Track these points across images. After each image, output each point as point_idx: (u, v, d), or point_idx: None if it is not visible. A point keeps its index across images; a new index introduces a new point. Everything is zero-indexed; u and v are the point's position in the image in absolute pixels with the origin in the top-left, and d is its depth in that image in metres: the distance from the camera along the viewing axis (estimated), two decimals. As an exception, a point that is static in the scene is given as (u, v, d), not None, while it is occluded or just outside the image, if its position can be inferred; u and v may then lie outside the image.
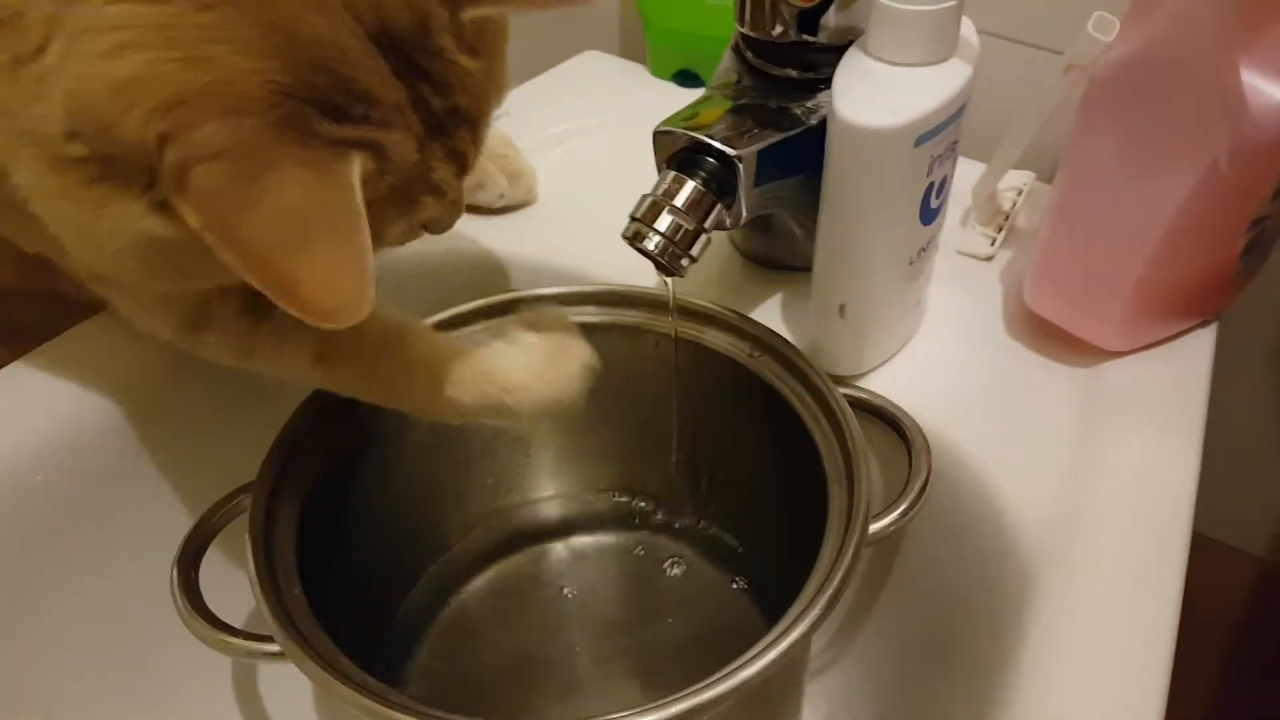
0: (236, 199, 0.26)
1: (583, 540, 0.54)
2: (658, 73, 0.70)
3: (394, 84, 0.29)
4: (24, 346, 0.47)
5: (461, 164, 0.33)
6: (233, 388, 0.47)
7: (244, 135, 0.25)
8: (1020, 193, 0.57)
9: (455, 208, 0.35)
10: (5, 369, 0.46)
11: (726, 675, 0.33)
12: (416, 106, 0.30)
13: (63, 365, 0.47)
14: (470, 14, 0.30)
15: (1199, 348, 0.48)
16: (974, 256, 0.55)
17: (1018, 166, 0.53)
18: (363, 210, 0.27)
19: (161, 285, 0.35)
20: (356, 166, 0.28)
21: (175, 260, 0.29)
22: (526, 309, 0.46)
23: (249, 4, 0.26)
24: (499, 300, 0.48)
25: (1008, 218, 0.56)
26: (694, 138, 0.41)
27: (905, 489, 0.41)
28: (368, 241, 0.27)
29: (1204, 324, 0.49)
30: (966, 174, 0.54)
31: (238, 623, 0.38)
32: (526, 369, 0.40)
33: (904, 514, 0.41)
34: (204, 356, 0.41)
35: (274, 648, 0.35)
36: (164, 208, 0.26)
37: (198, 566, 0.40)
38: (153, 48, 0.25)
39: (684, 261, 0.41)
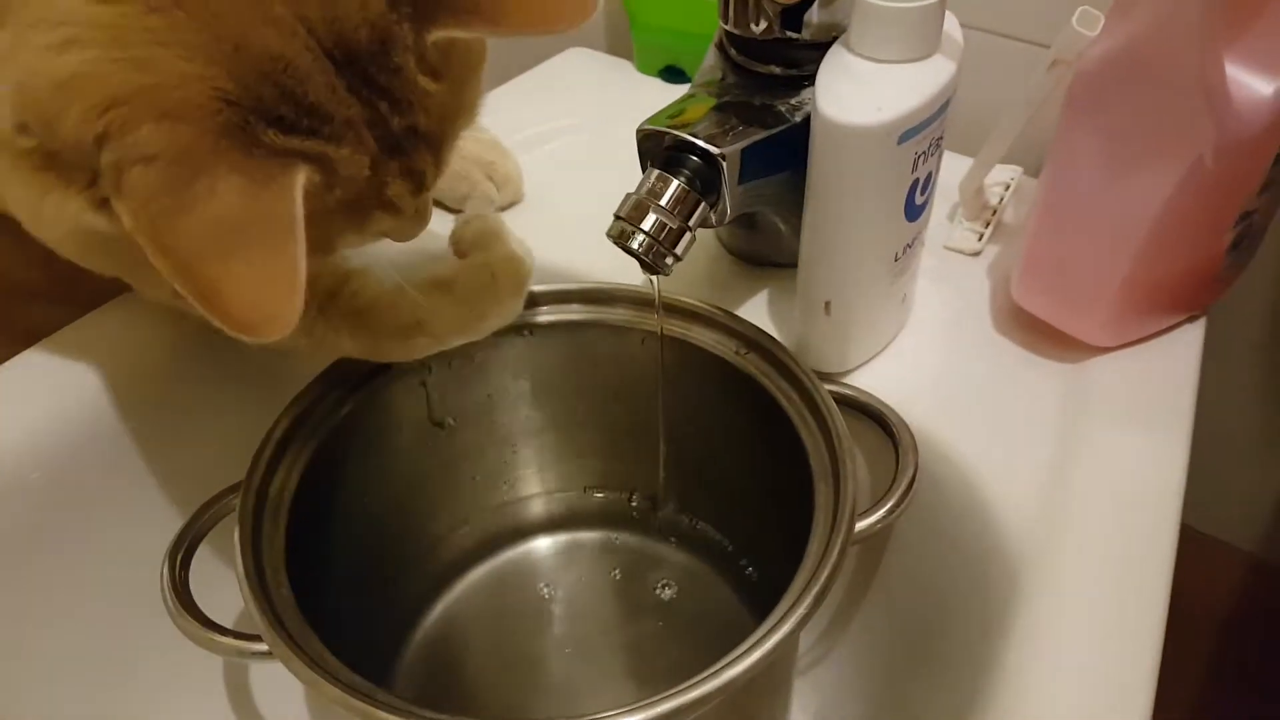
0: (169, 203, 0.25)
1: (570, 538, 0.54)
2: (644, 69, 0.70)
3: (347, 100, 0.28)
4: None
5: (419, 182, 0.33)
6: (225, 386, 0.47)
7: (180, 139, 0.25)
8: (1008, 188, 0.57)
9: (416, 221, 0.35)
10: (10, 361, 0.46)
11: (713, 674, 0.33)
12: (372, 124, 0.30)
13: (53, 364, 0.47)
14: (435, 35, 0.30)
15: (1187, 343, 0.48)
16: (961, 252, 0.55)
17: (1005, 161, 0.53)
18: (299, 223, 0.27)
19: (104, 272, 0.35)
20: (299, 179, 0.27)
21: (114, 253, 0.29)
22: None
23: (199, 11, 0.25)
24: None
25: (995, 213, 0.56)
26: (678, 136, 0.41)
27: (892, 486, 0.41)
28: (301, 256, 0.27)
29: (1191, 319, 0.49)
30: (953, 169, 0.54)
31: (229, 621, 0.38)
32: (456, 320, 0.42)
33: (890, 511, 0.41)
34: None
35: (262, 647, 0.35)
36: (104, 205, 0.26)
37: (188, 565, 0.40)
38: (97, 46, 0.25)
39: (669, 260, 0.41)
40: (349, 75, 0.28)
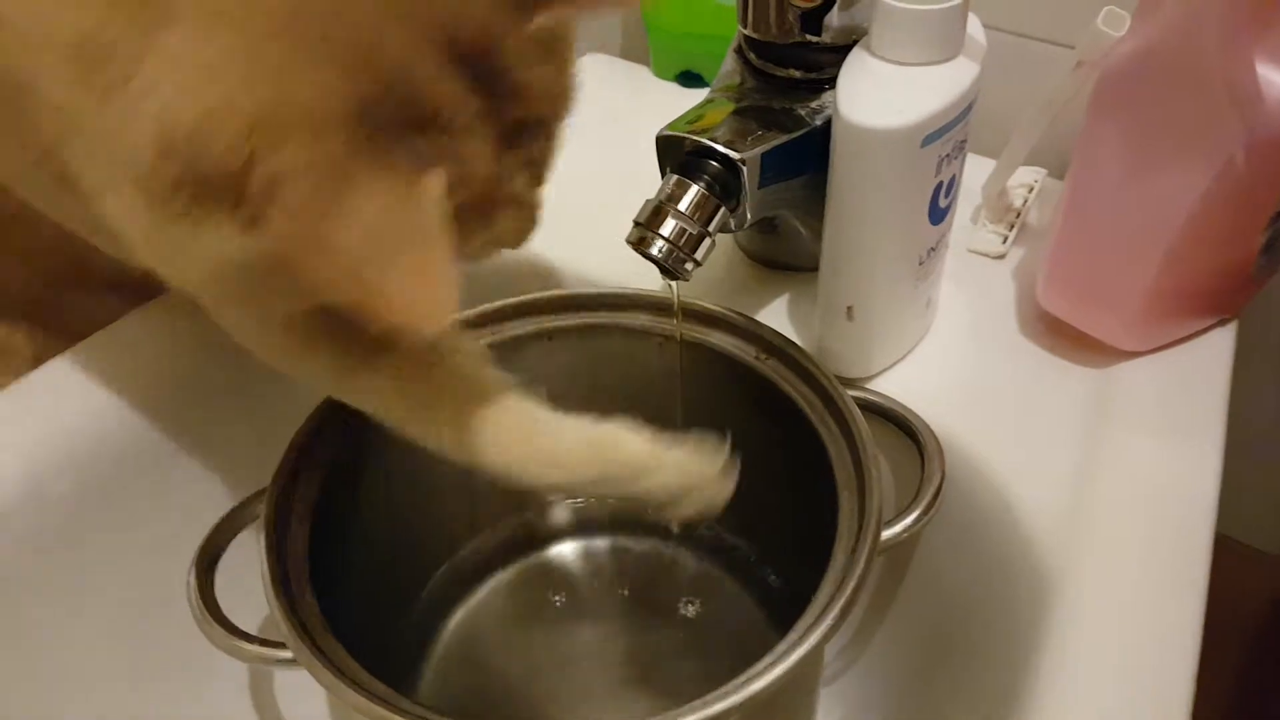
0: (321, 216, 0.26)
1: (592, 544, 0.54)
2: (661, 74, 0.70)
3: (468, 97, 0.29)
4: None
5: (537, 173, 0.33)
6: (252, 391, 0.47)
7: (327, 153, 0.26)
8: (1031, 189, 0.56)
9: (532, 219, 0.35)
10: (29, 375, 0.47)
11: (736, 688, 0.33)
12: (491, 118, 0.30)
13: (83, 370, 0.47)
14: (537, 24, 0.30)
15: (1217, 347, 0.47)
16: (985, 255, 0.54)
17: (1029, 162, 0.53)
18: (444, 223, 0.27)
19: (247, 309, 0.36)
20: (437, 180, 0.28)
21: (262, 284, 0.30)
22: None
23: (326, 27, 0.26)
24: (510, 304, 0.48)
25: (1019, 215, 0.55)
26: (697, 141, 0.41)
27: (918, 494, 0.41)
28: (450, 252, 0.27)
29: (1222, 323, 0.48)
30: (977, 171, 0.54)
31: (254, 625, 0.38)
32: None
33: (917, 520, 0.40)
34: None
35: (287, 654, 0.35)
36: (253, 225, 0.27)
37: (213, 572, 0.40)
38: (235, 74, 0.25)
39: (688, 265, 0.41)
40: (465, 70, 0.28)
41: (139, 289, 0.49)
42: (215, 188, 0.26)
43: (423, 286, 0.26)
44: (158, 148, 0.26)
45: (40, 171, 0.33)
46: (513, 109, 0.31)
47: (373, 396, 0.38)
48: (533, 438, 0.38)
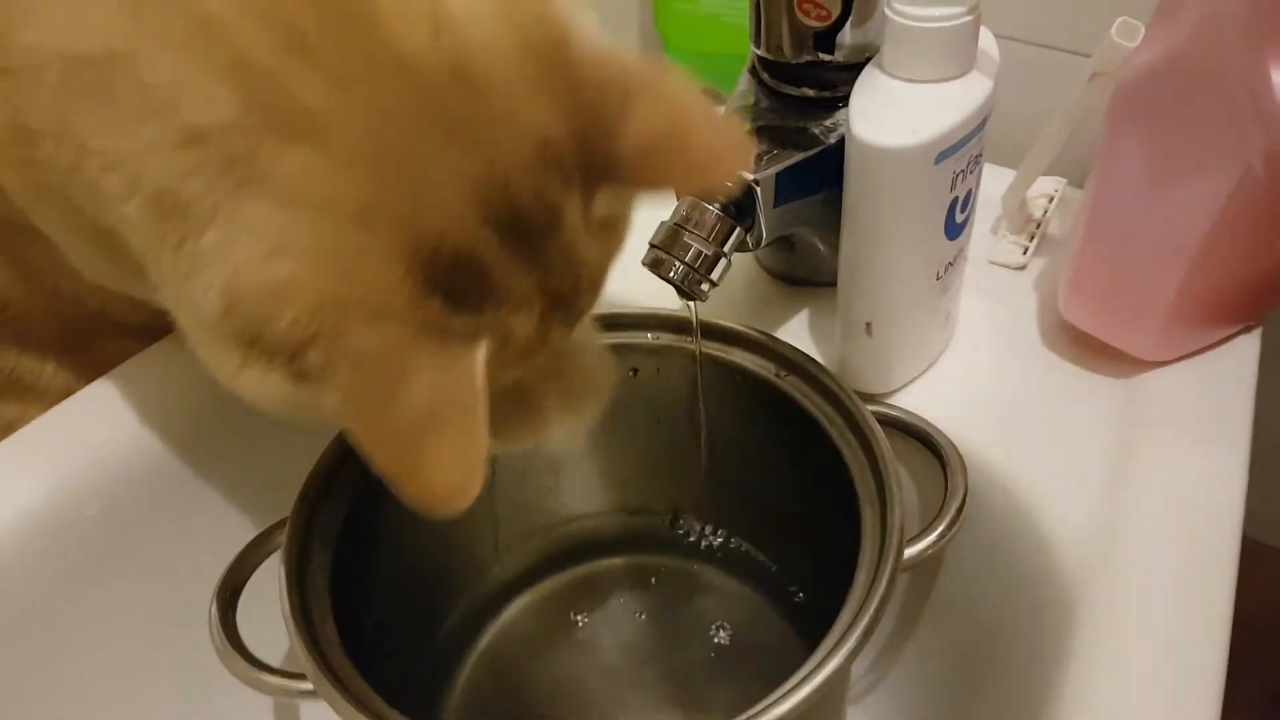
0: (375, 396, 0.27)
1: (616, 562, 0.54)
2: (679, 93, 0.70)
3: (524, 274, 0.29)
4: None
5: (575, 322, 0.33)
6: (274, 421, 0.48)
7: (386, 340, 0.27)
8: (1051, 199, 0.56)
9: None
10: (59, 405, 0.48)
11: (762, 710, 0.32)
12: (543, 290, 0.30)
13: (108, 400, 0.48)
14: (601, 201, 0.30)
15: (1242, 355, 0.47)
16: (1006, 266, 0.54)
17: (1048, 172, 0.52)
18: (484, 399, 0.28)
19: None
20: (481, 355, 0.28)
21: (304, 414, 0.30)
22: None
23: (395, 214, 0.26)
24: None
25: (1039, 225, 0.55)
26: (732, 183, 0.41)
27: (942, 510, 0.40)
28: (485, 432, 0.28)
29: (1246, 329, 0.48)
30: (996, 181, 0.53)
31: (278, 657, 0.39)
32: None
33: (941, 536, 0.40)
34: None
35: (308, 686, 0.35)
36: (302, 378, 0.28)
37: (235, 603, 0.40)
38: (306, 256, 0.26)
39: (704, 286, 0.41)
40: (523, 246, 0.29)
41: (163, 333, 0.50)
42: (273, 350, 0.27)
43: (455, 469, 0.27)
44: (222, 306, 0.27)
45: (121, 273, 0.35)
46: (565, 281, 0.31)
47: None
48: None
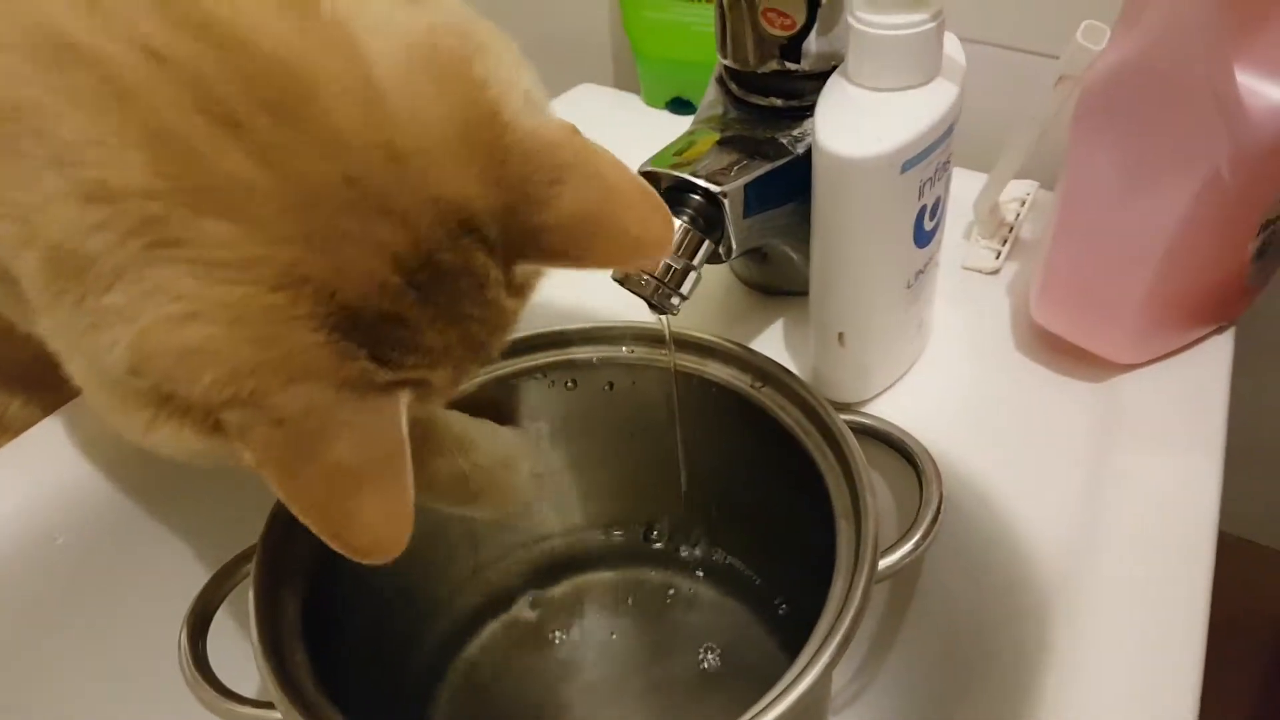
0: (297, 455, 0.27)
1: (594, 578, 0.54)
2: (651, 102, 0.70)
3: (446, 330, 0.30)
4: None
5: (487, 361, 0.33)
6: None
7: (307, 401, 0.26)
8: (1024, 203, 0.56)
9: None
10: (26, 433, 0.47)
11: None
12: (463, 342, 0.31)
13: (83, 425, 0.47)
14: (521, 269, 0.31)
15: (1216, 356, 0.47)
16: (979, 271, 0.54)
17: (1019, 176, 0.52)
18: (407, 450, 0.28)
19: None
20: (403, 407, 0.29)
21: (223, 463, 0.30)
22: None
23: (316, 280, 0.26)
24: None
25: (1012, 229, 0.55)
26: (677, 176, 0.40)
27: (917, 518, 0.40)
28: (410, 482, 0.28)
29: (1219, 330, 0.48)
30: (967, 186, 0.53)
31: (252, 687, 0.38)
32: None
33: (917, 545, 0.40)
34: None
35: (279, 716, 0.35)
36: (215, 431, 0.27)
37: (205, 632, 0.40)
38: (220, 323, 0.25)
39: (675, 300, 0.40)
40: (445, 306, 0.29)
41: None
42: (186, 410, 0.27)
43: (385, 518, 0.28)
44: (128, 364, 0.26)
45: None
46: (483, 332, 0.31)
47: None
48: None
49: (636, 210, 0.31)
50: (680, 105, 0.69)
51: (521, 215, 0.29)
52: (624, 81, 0.75)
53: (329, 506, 0.27)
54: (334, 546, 0.28)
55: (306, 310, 0.26)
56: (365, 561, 0.28)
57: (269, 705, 0.36)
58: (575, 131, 0.31)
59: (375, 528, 0.28)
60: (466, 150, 0.28)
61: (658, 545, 0.54)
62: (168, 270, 0.25)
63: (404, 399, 0.29)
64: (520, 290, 0.32)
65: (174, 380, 0.26)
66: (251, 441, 0.26)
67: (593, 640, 0.51)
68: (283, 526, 0.40)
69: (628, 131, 0.68)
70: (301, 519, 0.27)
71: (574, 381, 0.48)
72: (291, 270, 0.26)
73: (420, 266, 0.28)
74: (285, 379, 0.26)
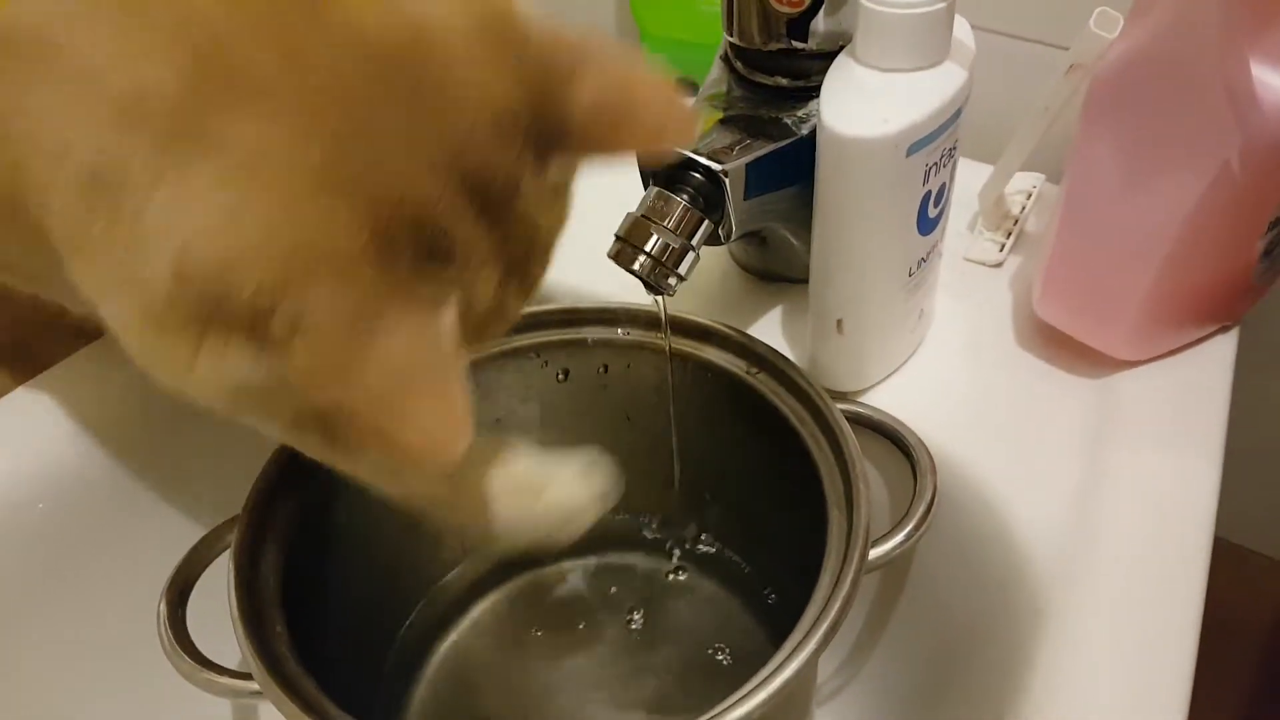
0: (345, 356, 0.26)
1: (583, 563, 0.53)
2: (655, 82, 0.69)
3: (484, 238, 0.29)
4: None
5: (529, 291, 0.33)
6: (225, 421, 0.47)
7: (355, 300, 0.26)
8: (1029, 196, 0.55)
9: (510, 324, 0.35)
10: (7, 396, 0.46)
11: (721, 713, 0.32)
12: (501, 254, 0.30)
13: (61, 392, 0.47)
14: (551, 175, 0.31)
15: (1218, 355, 0.46)
16: (982, 264, 0.53)
17: (1026, 168, 0.52)
18: (457, 354, 0.28)
19: (247, 417, 0.35)
20: (453, 312, 0.28)
21: (269, 398, 0.29)
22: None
23: (358, 175, 0.26)
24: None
25: (1017, 222, 0.54)
26: (678, 152, 0.40)
27: (909, 510, 0.40)
28: (465, 390, 0.28)
29: (1223, 330, 0.47)
30: (972, 177, 0.53)
31: (235, 660, 0.38)
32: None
33: (908, 537, 0.39)
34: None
35: (257, 686, 0.34)
36: (265, 350, 0.27)
37: (185, 602, 0.39)
38: (264, 222, 0.25)
39: (672, 281, 0.40)
40: (482, 210, 0.29)
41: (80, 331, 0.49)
42: (233, 325, 0.26)
43: (442, 420, 0.27)
44: (172, 285, 0.26)
45: (33, 259, 0.33)
46: (520, 245, 0.31)
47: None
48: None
49: (657, 97, 0.31)
50: (685, 86, 0.68)
51: (547, 107, 0.29)
52: (628, 62, 0.74)
53: (385, 406, 0.26)
54: (390, 453, 0.27)
55: (347, 210, 0.26)
56: (423, 466, 0.27)
57: (248, 676, 0.35)
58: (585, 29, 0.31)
59: (432, 429, 0.27)
60: (488, 44, 0.28)
61: (648, 531, 0.53)
62: (204, 176, 0.25)
63: (452, 310, 0.28)
64: (553, 197, 0.32)
65: (218, 291, 0.25)
66: (301, 349, 0.26)
67: (578, 627, 0.51)
68: (266, 496, 0.40)
69: (631, 112, 0.67)
70: (354, 431, 0.27)
71: (567, 364, 0.48)
72: (328, 169, 0.26)
73: (455, 164, 0.28)
74: (332, 279, 0.26)
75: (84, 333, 0.49)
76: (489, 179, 0.29)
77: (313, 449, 0.36)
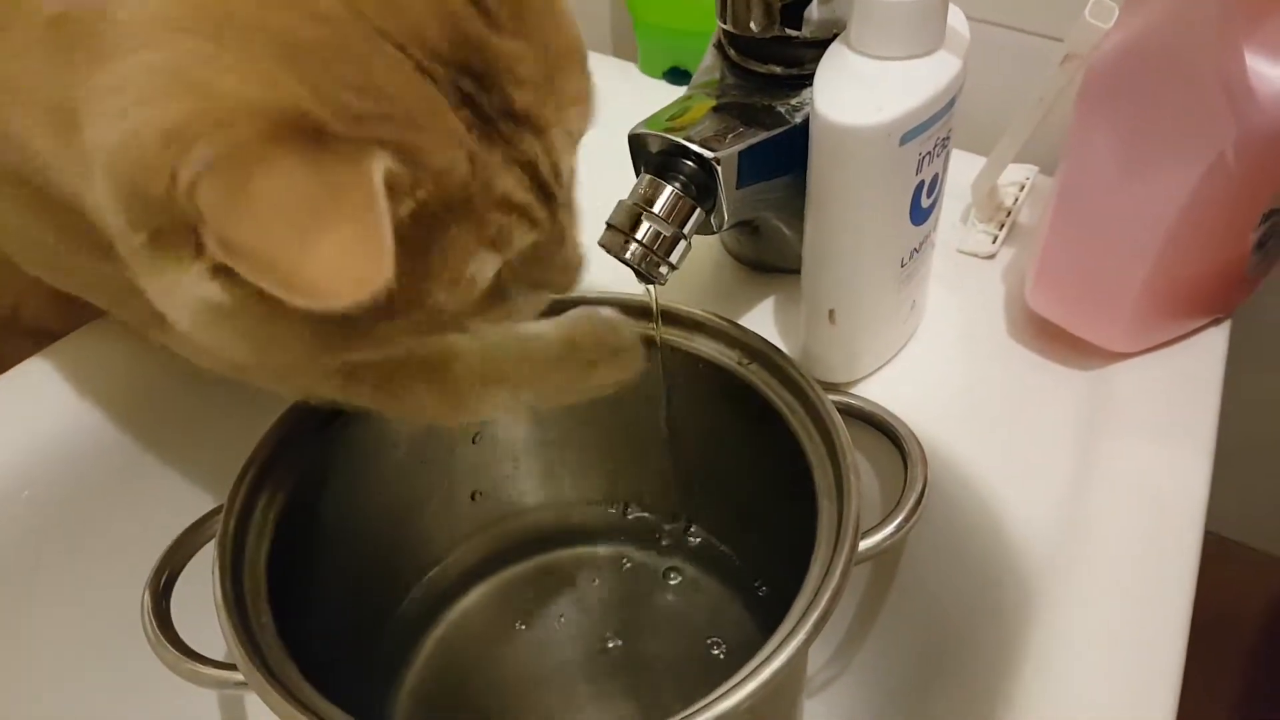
0: (235, 204, 0.25)
1: (574, 553, 0.53)
2: (648, 71, 0.69)
3: (419, 81, 0.27)
4: None
5: (533, 174, 0.30)
6: (215, 404, 0.46)
7: (234, 139, 0.25)
8: (1023, 187, 0.55)
9: (559, 242, 0.33)
10: None
11: (711, 703, 0.31)
12: (459, 106, 0.28)
13: (43, 384, 0.46)
14: None
15: (1210, 348, 0.46)
16: (975, 255, 0.53)
17: (1020, 160, 0.51)
18: (381, 196, 0.25)
19: (243, 360, 0.34)
20: (376, 162, 0.26)
21: (244, 331, 0.29)
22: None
23: (252, 27, 0.25)
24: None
25: (1010, 214, 0.54)
26: (670, 140, 0.39)
27: (900, 501, 0.40)
28: (385, 222, 0.25)
29: (1216, 322, 0.47)
30: (965, 168, 0.53)
31: (221, 650, 0.37)
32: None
33: (898, 528, 0.39)
34: (168, 345, 0.40)
35: (242, 677, 0.34)
36: (218, 272, 0.26)
37: (169, 593, 0.39)
38: (159, 94, 0.25)
39: (663, 269, 0.39)
40: (419, 54, 0.27)
41: (35, 330, 0.48)
42: (171, 232, 0.26)
43: (346, 253, 0.25)
44: (109, 192, 0.26)
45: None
46: (488, 96, 0.28)
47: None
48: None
49: None
50: (678, 75, 0.68)
51: None
52: (622, 50, 0.74)
53: (275, 248, 0.24)
54: (294, 298, 0.25)
55: (241, 57, 0.25)
56: (333, 304, 0.25)
57: (233, 667, 0.35)
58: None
59: (335, 263, 0.24)
60: None
61: (638, 523, 0.53)
62: (107, 71, 0.25)
63: (375, 156, 0.26)
64: (513, 26, 0.29)
65: (138, 190, 0.25)
66: (201, 210, 0.24)
67: (569, 617, 0.51)
68: (253, 486, 0.39)
69: (624, 100, 0.66)
70: (260, 281, 0.25)
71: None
72: (227, 14, 0.25)
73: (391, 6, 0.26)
74: (213, 123, 0.25)
75: (38, 333, 0.48)
76: (409, 11, 0.27)
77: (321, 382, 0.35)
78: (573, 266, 0.35)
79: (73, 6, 0.26)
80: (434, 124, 0.27)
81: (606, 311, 0.44)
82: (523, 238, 0.31)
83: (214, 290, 0.27)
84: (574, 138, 0.32)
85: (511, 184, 0.30)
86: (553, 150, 0.31)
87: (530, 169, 0.30)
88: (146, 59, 0.25)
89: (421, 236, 0.28)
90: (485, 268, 0.30)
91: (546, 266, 0.34)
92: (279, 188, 0.24)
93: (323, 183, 0.25)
